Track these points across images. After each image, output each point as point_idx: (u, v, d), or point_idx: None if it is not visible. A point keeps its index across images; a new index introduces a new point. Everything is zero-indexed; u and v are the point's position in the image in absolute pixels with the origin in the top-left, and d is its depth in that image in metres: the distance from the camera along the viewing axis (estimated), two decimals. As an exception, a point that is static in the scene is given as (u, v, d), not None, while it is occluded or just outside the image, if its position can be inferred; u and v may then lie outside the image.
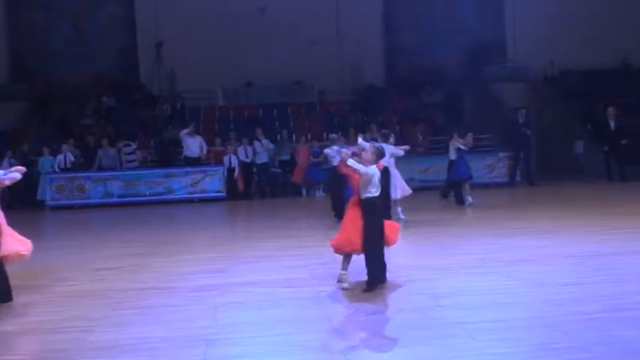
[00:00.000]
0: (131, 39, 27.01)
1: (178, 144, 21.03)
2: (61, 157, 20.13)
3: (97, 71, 26.13)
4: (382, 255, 7.41)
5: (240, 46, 25.33)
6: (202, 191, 19.54)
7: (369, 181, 7.31)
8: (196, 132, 20.82)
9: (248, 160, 20.35)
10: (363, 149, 7.43)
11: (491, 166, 20.53)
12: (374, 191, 7.35)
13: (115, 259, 10.19)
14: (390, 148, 12.36)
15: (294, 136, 22.16)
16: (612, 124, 19.88)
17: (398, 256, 9.40)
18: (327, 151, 14.85)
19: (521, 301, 6.70)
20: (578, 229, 11.02)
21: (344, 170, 7.62)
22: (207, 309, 6.97)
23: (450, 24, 27.49)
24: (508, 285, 7.43)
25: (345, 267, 7.51)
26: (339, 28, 26.21)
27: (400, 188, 13.19)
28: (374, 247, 7.31)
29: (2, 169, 20.06)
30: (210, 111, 25.12)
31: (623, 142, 19.64)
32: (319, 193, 19.40)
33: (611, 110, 20.09)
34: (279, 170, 20.88)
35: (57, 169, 19.92)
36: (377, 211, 7.42)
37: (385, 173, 12.01)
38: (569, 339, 5.44)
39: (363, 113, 23.92)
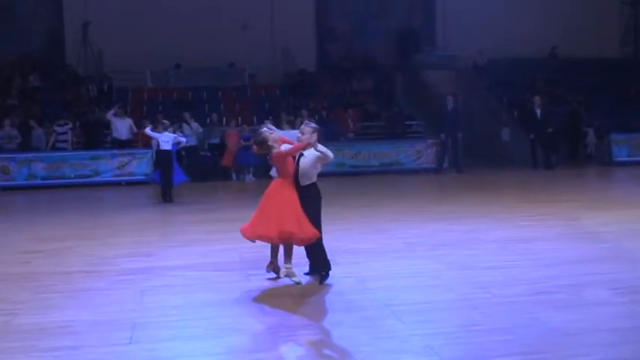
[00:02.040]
0: (58, 18, 26.31)
1: (106, 126, 20.62)
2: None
3: (22, 50, 25.37)
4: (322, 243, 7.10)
5: (171, 27, 24.97)
6: (130, 174, 19.22)
7: (317, 165, 7.02)
8: (124, 113, 20.45)
9: (177, 143, 20.10)
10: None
11: (419, 152, 20.82)
12: (314, 178, 7.08)
13: (40, 243, 9.98)
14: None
15: (224, 120, 21.99)
16: (538, 112, 20.37)
17: (326, 240, 9.46)
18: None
19: (446, 284, 6.85)
20: (503, 215, 11.30)
21: (278, 155, 7.03)
22: (134, 293, 6.91)
23: (381, 10, 27.70)
24: (434, 268, 7.59)
25: (289, 260, 7.13)
26: (271, 12, 26.09)
27: None
28: (319, 233, 7.03)
29: None
30: (138, 93, 24.69)
31: (549, 130, 20.16)
32: (249, 178, 19.33)
33: (537, 99, 20.59)
34: (208, 154, 20.70)
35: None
36: (318, 196, 7.12)
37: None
38: (493, 321, 5.59)
39: (294, 98, 23.90)
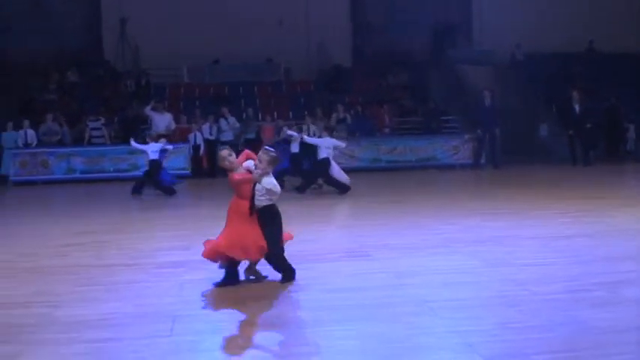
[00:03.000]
0: (96, 15, 26.62)
1: (143, 120, 20.86)
2: (22, 132, 19.88)
3: (61, 47, 25.72)
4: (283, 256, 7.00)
5: (207, 23, 25.14)
6: (166, 168, 19.36)
7: (271, 192, 6.77)
8: (163, 108, 20.68)
9: (212, 138, 20.31)
10: (291, 136, 7.20)
11: (456, 148, 20.72)
12: (274, 200, 6.87)
13: (80, 236, 10.13)
14: (332, 141, 14.89)
15: (259, 115, 22.10)
16: (577, 108, 20.14)
17: (362, 234, 9.50)
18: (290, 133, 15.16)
19: (483, 281, 6.81)
20: (541, 212, 11.19)
21: (236, 179, 6.89)
22: (173, 285, 6.98)
23: (417, 5, 27.57)
24: (471, 265, 7.55)
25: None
26: (307, 7, 26.11)
27: (339, 174, 14.67)
28: (280, 251, 6.95)
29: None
30: (175, 88, 24.93)
31: (588, 126, 19.92)
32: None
33: (575, 94, 20.35)
34: (242, 149, 20.80)
35: (20, 145, 19.70)
36: (277, 216, 6.92)
37: (325, 163, 14.36)
38: (531, 318, 5.55)
39: (329, 93, 23.92)
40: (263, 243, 6.81)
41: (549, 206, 11.89)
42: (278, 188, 6.82)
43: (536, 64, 25.22)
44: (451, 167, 20.18)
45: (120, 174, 19.03)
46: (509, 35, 25.59)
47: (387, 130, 21.96)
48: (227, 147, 7.47)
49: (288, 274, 6.94)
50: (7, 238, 10.57)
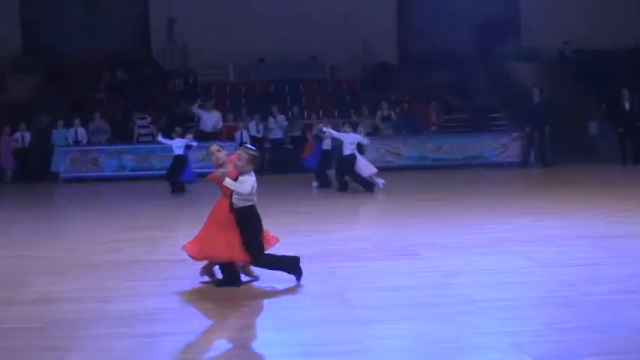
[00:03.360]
0: (145, 15, 26.97)
1: (191, 119, 21.09)
2: (72, 130, 20.25)
3: (110, 46, 26.11)
4: (271, 255, 6.88)
5: (253, 21, 25.27)
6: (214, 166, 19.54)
7: (246, 192, 6.63)
8: (211, 106, 20.87)
9: (259, 136, 20.43)
10: (324, 133, 7.08)
11: (504, 146, 20.51)
12: (248, 201, 6.70)
13: (129, 232, 10.27)
14: (355, 137, 14.84)
15: (305, 113, 22.15)
16: (627, 105, 19.77)
17: (410, 233, 9.47)
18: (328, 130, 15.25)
19: (533, 281, 6.72)
20: (591, 211, 11.01)
21: (209, 176, 6.85)
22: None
23: (463, 1, 27.32)
24: (520, 264, 7.46)
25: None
26: (353, 5, 26.06)
27: (365, 168, 14.74)
28: (261, 255, 6.80)
29: (17, 140, 20.44)
30: (221, 86, 25.13)
31: (638, 124, 19.54)
32: (332, 172, 19.39)
33: (625, 92, 19.98)
34: (290, 146, 20.92)
35: (70, 142, 20.07)
36: (255, 218, 6.79)
37: (350, 159, 14.43)
38: (581, 319, 5.47)
39: (375, 91, 23.87)
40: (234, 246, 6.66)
41: (599, 206, 11.69)
42: (246, 189, 6.59)
43: (585, 61, 24.79)
44: (499, 166, 19.98)
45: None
46: (557, 31, 25.21)
47: (433, 128, 21.83)
48: (216, 143, 7.38)
49: (289, 269, 6.81)
50: (58, 234, 10.78)
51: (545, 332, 5.18)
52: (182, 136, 16.11)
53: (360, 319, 5.61)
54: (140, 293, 6.58)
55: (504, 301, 6.04)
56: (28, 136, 20.31)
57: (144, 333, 5.47)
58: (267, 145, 20.77)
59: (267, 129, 20.55)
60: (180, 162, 15.82)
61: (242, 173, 6.64)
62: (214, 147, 7.00)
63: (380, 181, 14.89)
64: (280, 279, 6.93)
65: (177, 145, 15.71)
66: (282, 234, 9.73)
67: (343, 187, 14.87)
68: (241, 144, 19.63)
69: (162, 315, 5.91)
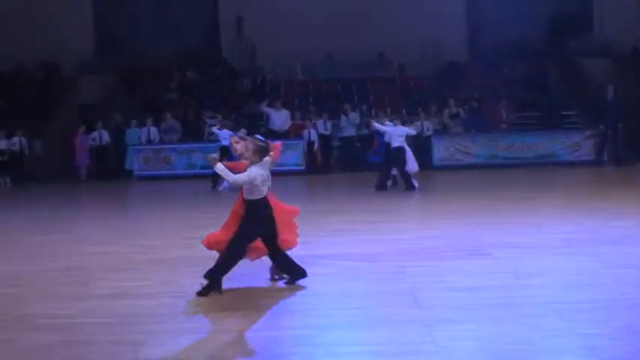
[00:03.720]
0: (214, 15, 27.32)
1: (259, 117, 21.29)
2: (145, 129, 20.67)
3: (180, 46, 26.53)
4: (235, 260, 6.71)
5: (321, 20, 25.28)
6: (281, 164, 19.64)
7: (249, 185, 6.53)
8: (281, 105, 21.02)
9: (327, 134, 20.50)
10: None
11: (577, 145, 20.06)
12: (256, 194, 6.57)
13: (202, 229, 10.38)
14: (404, 129, 14.86)
15: (372, 111, 22.10)
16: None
17: (481, 233, 9.36)
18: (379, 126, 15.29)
19: (607, 283, 6.58)
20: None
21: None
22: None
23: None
24: (594, 266, 7.30)
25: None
26: (421, 1, 25.84)
27: (411, 163, 14.72)
28: (235, 250, 6.64)
29: (94, 140, 20.98)
30: (289, 85, 25.28)
31: None
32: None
33: None
34: (358, 145, 20.92)
35: (143, 141, 20.50)
36: (257, 216, 6.61)
37: (400, 151, 14.29)
38: (659, 322, 5.33)
39: (443, 88, 23.65)
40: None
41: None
42: (240, 181, 6.52)
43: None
44: (571, 164, 19.56)
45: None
46: (631, 26, 24.51)
47: (504, 126, 21.51)
48: (236, 134, 7.43)
49: (213, 284, 6.55)
50: (132, 230, 11.03)
51: (619, 336, 5.07)
52: (230, 129, 16.54)
53: (431, 319, 5.58)
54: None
55: (577, 303, 5.92)
56: (105, 134, 20.81)
57: (217, 329, 5.57)
58: (335, 143, 20.81)
59: (337, 127, 20.58)
60: (225, 152, 15.55)
61: (250, 164, 6.60)
62: (234, 138, 7.14)
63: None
64: (350, 279, 6.94)
65: (224, 136, 15.89)
66: (351, 232, 9.80)
67: (380, 186, 14.81)
68: (309, 142, 19.85)
69: (234, 312, 5.99)
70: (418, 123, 20.05)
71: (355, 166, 19.93)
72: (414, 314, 5.76)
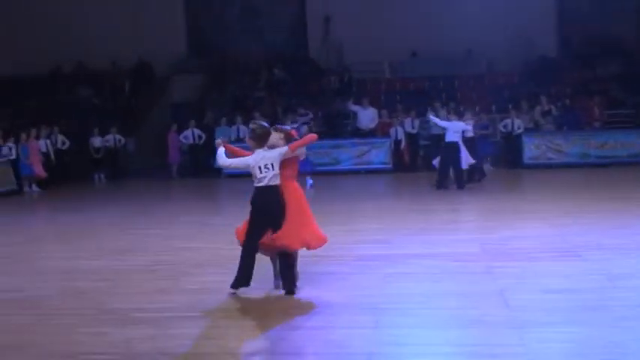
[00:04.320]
0: (301, 14, 27.51)
1: (346, 116, 21.32)
2: (234, 127, 20.98)
3: (268, 45, 26.84)
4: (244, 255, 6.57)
5: (407, 17, 25.11)
6: (368, 163, 19.72)
7: (225, 165, 6.60)
8: (368, 103, 21.00)
9: (414, 132, 20.35)
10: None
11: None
12: (256, 182, 6.49)
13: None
14: (460, 125, 14.75)
15: (461, 109, 21.79)
16: None
17: (572, 233, 9.12)
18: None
19: None
20: None
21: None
22: (376, 278, 7.09)
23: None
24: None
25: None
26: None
27: (465, 159, 14.60)
28: (245, 245, 6.62)
29: (186, 138, 21.42)
30: (376, 83, 25.22)
31: None
32: (487, 167, 19.04)
33: None
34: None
35: (233, 140, 20.77)
36: (253, 205, 6.53)
37: (454, 146, 14.25)
38: None
39: (533, 85, 23.14)
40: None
41: None
42: (222, 163, 6.67)
43: None
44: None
45: (323, 168, 19.45)
46: None
47: (596, 124, 20.87)
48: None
49: (238, 276, 6.52)
50: (221, 227, 11.19)
51: None
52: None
53: (521, 320, 5.47)
54: (299, 286, 6.70)
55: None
56: (199, 132, 21.18)
57: (300, 325, 5.61)
58: (422, 141, 20.63)
59: (424, 125, 20.41)
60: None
61: (252, 149, 6.55)
62: (275, 135, 6.92)
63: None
64: (438, 279, 6.87)
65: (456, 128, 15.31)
66: (439, 231, 9.70)
67: (439, 184, 14.76)
68: (396, 141, 19.75)
69: (316, 309, 6.06)
70: (508, 121, 19.70)
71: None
72: (503, 315, 5.66)
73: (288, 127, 7.14)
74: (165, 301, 6.51)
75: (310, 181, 15.95)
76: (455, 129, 14.64)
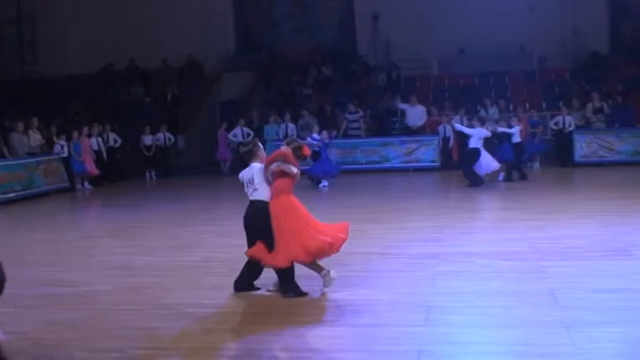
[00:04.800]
0: (349, 11, 27.54)
1: (394, 113, 21.27)
2: (283, 125, 21.09)
3: (316, 42, 26.94)
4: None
5: (456, 13, 24.96)
6: (417, 160, 19.66)
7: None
8: (417, 101, 20.94)
9: (463, 130, 20.22)
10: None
11: None
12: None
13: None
14: (483, 132, 15.13)
15: (511, 106, 21.60)
16: None
17: (624, 232, 9.01)
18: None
19: None
20: None
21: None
22: (426, 276, 7.12)
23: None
24: None
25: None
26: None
27: (485, 166, 14.96)
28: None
29: (235, 136, 21.59)
30: (424, 80, 25.11)
31: None
32: (536, 165, 18.85)
33: None
34: (496, 141, 20.50)
35: (281, 137, 20.90)
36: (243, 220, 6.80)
37: (475, 152, 14.68)
38: None
39: (585, 82, 22.80)
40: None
41: None
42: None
43: None
44: None
45: (371, 165, 19.54)
46: None
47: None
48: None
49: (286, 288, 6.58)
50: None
51: None
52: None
53: (571, 320, 5.46)
54: (346, 284, 6.76)
55: None
56: (248, 130, 21.33)
57: (353, 323, 5.67)
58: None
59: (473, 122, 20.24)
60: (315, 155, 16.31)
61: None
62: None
63: (500, 176, 15.61)
64: (489, 278, 6.87)
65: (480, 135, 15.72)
66: (488, 229, 9.67)
67: (475, 182, 14.92)
68: (445, 138, 19.66)
69: (367, 307, 6.11)
70: (559, 118, 19.46)
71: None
72: (553, 315, 5.65)
73: (302, 142, 7.25)
74: (219, 297, 6.64)
75: (325, 183, 16.46)
76: (479, 135, 15.05)
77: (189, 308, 6.28)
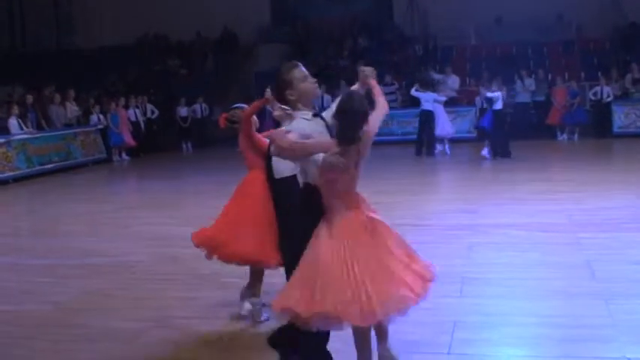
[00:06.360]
0: (384, -20, 27.27)
1: (430, 84, 21.07)
2: (319, 97, 21.09)
3: (352, 13, 26.73)
4: None
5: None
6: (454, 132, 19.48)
7: None
8: (450, 71, 20.75)
9: (499, 101, 20.00)
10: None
11: None
12: None
13: (369, 196, 10.54)
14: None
15: (549, 76, 21.29)
16: None
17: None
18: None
19: None
20: None
21: None
22: (461, 247, 7.11)
23: None
24: None
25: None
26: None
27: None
28: None
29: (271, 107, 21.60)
30: (461, 50, 24.81)
31: None
32: (574, 137, 18.60)
33: None
34: (533, 112, 20.28)
35: (317, 109, 20.88)
36: None
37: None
38: None
39: (625, 52, 22.36)
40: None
41: None
42: None
43: None
44: None
45: (406, 137, 19.44)
46: None
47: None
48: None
49: None
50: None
51: None
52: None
53: (608, 292, 5.42)
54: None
55: None
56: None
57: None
58: (509, 109, 20.23)
59: (511, 93, 20.01)
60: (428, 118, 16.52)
61: None
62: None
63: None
64: (525, 249, 6.83)
65: (427, 98, 16.63)
66: (526, 201, 9.60)
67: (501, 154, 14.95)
68: (481, 109, 19.45)
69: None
70: (598, 88, 19.14)
71: (528, 134, 19.34)
72: (590, 287, 5.62)
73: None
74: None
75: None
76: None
77: (225, 278, 6.33)
